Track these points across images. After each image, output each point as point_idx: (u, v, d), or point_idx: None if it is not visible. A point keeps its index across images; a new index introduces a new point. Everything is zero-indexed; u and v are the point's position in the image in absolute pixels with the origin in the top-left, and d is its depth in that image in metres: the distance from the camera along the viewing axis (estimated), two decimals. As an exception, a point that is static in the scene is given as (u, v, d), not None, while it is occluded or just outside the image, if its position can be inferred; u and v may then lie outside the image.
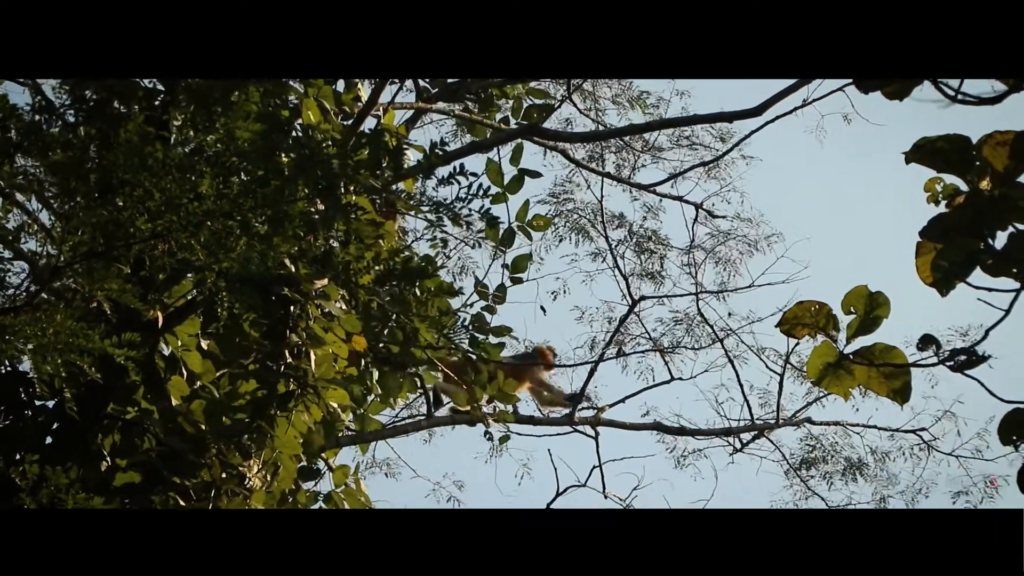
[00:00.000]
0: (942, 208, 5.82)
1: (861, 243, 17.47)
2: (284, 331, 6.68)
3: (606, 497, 11.55)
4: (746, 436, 12.56)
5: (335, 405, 6.78)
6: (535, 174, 8.82)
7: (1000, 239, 5.70)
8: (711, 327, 12.65)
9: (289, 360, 6.70)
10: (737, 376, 12.51)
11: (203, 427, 6.60)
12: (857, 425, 13.08)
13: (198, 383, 6.83)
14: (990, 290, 5.74)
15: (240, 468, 6.61)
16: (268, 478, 6.69)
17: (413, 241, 8.79)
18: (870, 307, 5.88)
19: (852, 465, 13.25)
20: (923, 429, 13.13)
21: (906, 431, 13.11)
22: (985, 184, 5.73)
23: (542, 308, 10.46)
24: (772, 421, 12.57)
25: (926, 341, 5.76)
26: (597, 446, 11.67)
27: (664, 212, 12.83)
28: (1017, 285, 5.70)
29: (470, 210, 5.87)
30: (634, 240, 12.82)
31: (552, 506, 11.29)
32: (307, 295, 6.63)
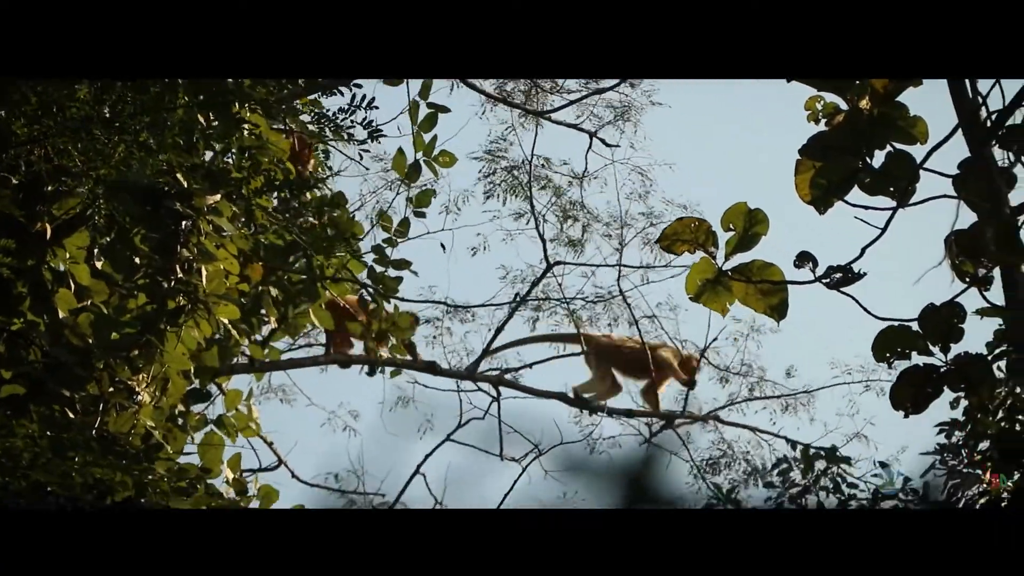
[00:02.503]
0: (822, 127, 5.86)
1: (758, 166, 17.40)
2: (175, 246, 6.66)
3: (502, 457, 11.54)
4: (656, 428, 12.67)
5: (226, 321, 6.78)
6: (444, 109, 8.92)
7: (878, 158, 5.75)
8: (627, 304, 12.68)
9: (179, 275, 6.68)
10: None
11: (90, 340, 6.58)
12: (767, 433, 13.14)
13: (89, 301, 6.80)
14: (867, 208, 5.80)
15: (129, 382, 6.60)
16: (157, 393, 6.68)
17: (332, 175, 8.76)
18: (749, 224, 5.90)
19: (755, 471, 13.31)
20: (833, 448, 13.18)
21: (815, 447, 13.14)
22: (865, 103, 5.77)
23: (442, 245, 10.45)
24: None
25: (803, 258, 5.81)
26: (499, 407, 11.64)
27: (593, 179, 12.82)
28: (893, 204, 5.76)
29: (352, 122, 5.87)
30: (559, 201, 12.80)
31: (453, 438, 11.30)
32: (198, 210, 6.60)
